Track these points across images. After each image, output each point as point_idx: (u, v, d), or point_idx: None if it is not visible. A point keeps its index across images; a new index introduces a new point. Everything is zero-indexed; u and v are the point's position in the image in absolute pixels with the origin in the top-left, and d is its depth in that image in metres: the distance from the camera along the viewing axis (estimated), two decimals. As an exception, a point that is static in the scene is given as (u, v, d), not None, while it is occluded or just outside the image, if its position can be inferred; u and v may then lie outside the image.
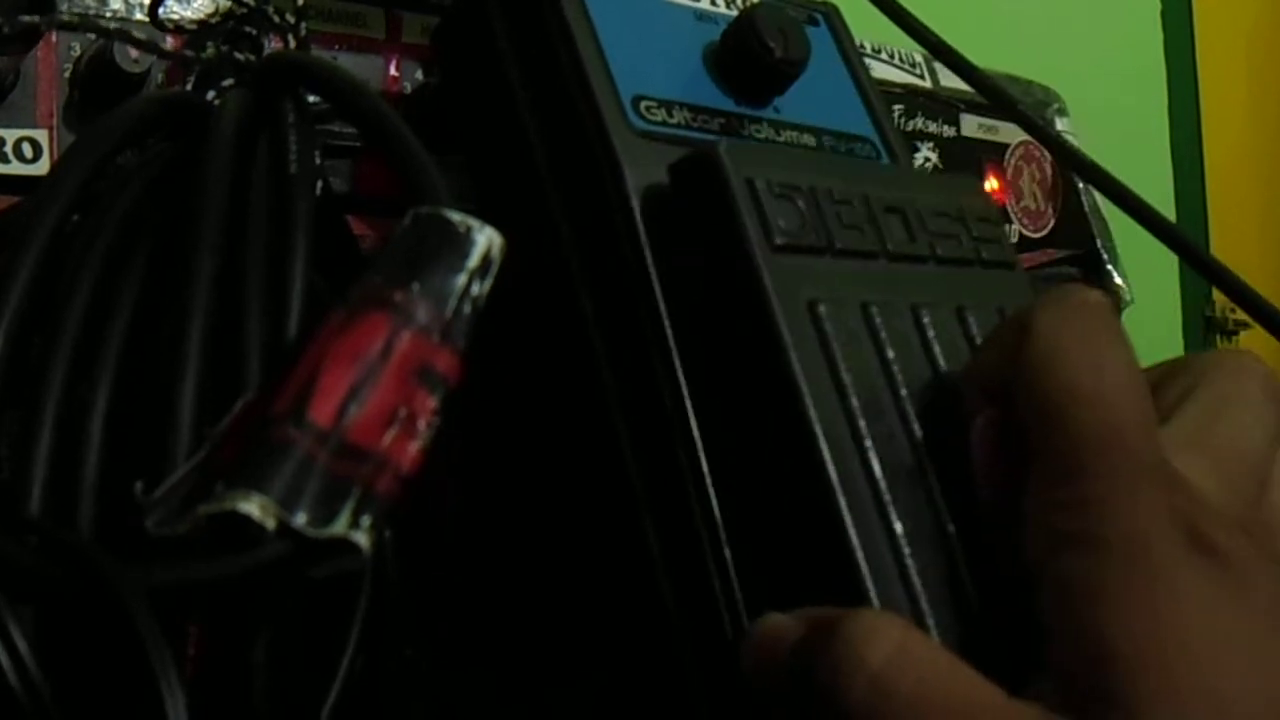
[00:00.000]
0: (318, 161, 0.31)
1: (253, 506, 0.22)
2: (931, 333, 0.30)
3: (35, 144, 0.33)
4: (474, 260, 0.26)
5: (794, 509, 0.27)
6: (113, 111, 0.31)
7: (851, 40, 0.40)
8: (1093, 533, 0.24)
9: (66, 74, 0.34)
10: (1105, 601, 0.23)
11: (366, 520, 0.23)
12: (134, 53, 0.33)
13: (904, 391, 0.29)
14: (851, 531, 0.26)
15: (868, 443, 0.27)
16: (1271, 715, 0.22)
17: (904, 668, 0.24)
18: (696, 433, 0.29)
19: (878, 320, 0.29)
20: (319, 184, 0.31)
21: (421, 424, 0.24)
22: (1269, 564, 0.24)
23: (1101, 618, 0.23)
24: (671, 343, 0.29)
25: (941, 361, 0.30)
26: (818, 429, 0.27)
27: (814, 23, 0.39)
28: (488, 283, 0.26)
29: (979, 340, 0.31)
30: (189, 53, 0.34)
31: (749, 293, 0.28)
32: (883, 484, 0.27)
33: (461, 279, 0.26)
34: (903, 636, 0.24)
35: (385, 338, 0.24)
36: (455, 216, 0.26)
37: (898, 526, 0.27)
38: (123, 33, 0.33)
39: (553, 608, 0.33)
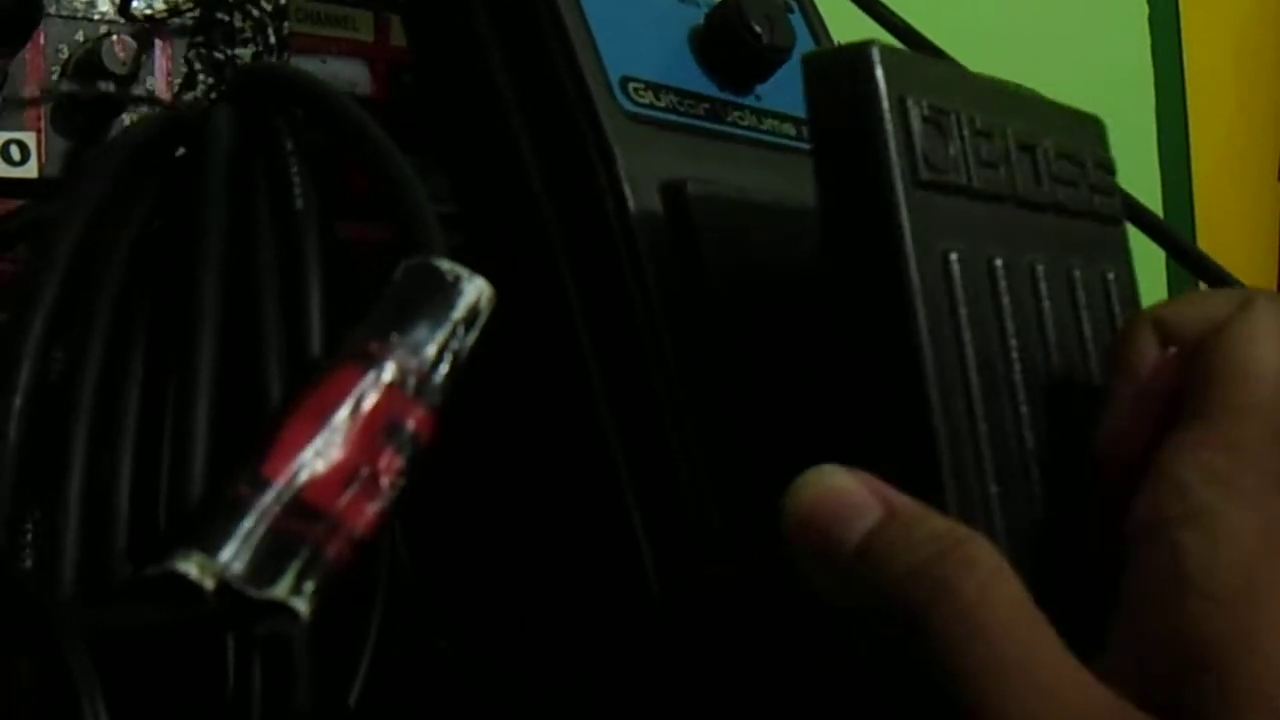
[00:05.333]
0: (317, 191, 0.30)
1: (190, 566, 0.22)
2: (1045, 297, 0.28)
3: (23, 146, 0.33)
4: (460, 311, 0.25)
5: (895, 464, 0.25)
6: (99, 160, 0.30)
7: (825, 28, 0.39)
8: (1228, 516, 0.22)
9: (54, 76, 0.34)
10: (1214, 598, 0.21)
11: (310, 585, 0.23)
12: (121, 55, 0.33)
13: (1015, 359, 0.27)
14: (949, 477, 0.25)
15: (979, 415, 0.25)
16: None
17: (995, 605, 0.22)
18: (693, 435, 0.29)
19: (1001, 282, 0.27)
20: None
21: (384, 484, 0.24)
22: None
23: (1204, 612, 0.21)
24: (665, 332, 0.29)
25: (1050, 329, 0.28)
26: (934, 397, 0.25)
27: (789, 10, 0.38)
28: (472, 335, 0.25)
29: (1083, 305, 0.29)
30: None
31: (884, 232, 0.25)
32: (985, 444, 0.25)
33: (444, 331, 0.25)
34: (998, 569, 0.23)
35: (355, 392, 0.24)
36: (444, 265, 0.26)
37: (993, 488, 0.25)
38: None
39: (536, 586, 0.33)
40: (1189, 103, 1.23)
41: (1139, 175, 1.20)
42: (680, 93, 0.33)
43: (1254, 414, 0.23)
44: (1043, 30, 1.04)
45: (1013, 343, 0.27)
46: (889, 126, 0.25)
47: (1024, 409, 0.27)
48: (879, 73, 0.25)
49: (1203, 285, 0.41)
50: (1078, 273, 0.30)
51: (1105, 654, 0.23)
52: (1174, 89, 1.24)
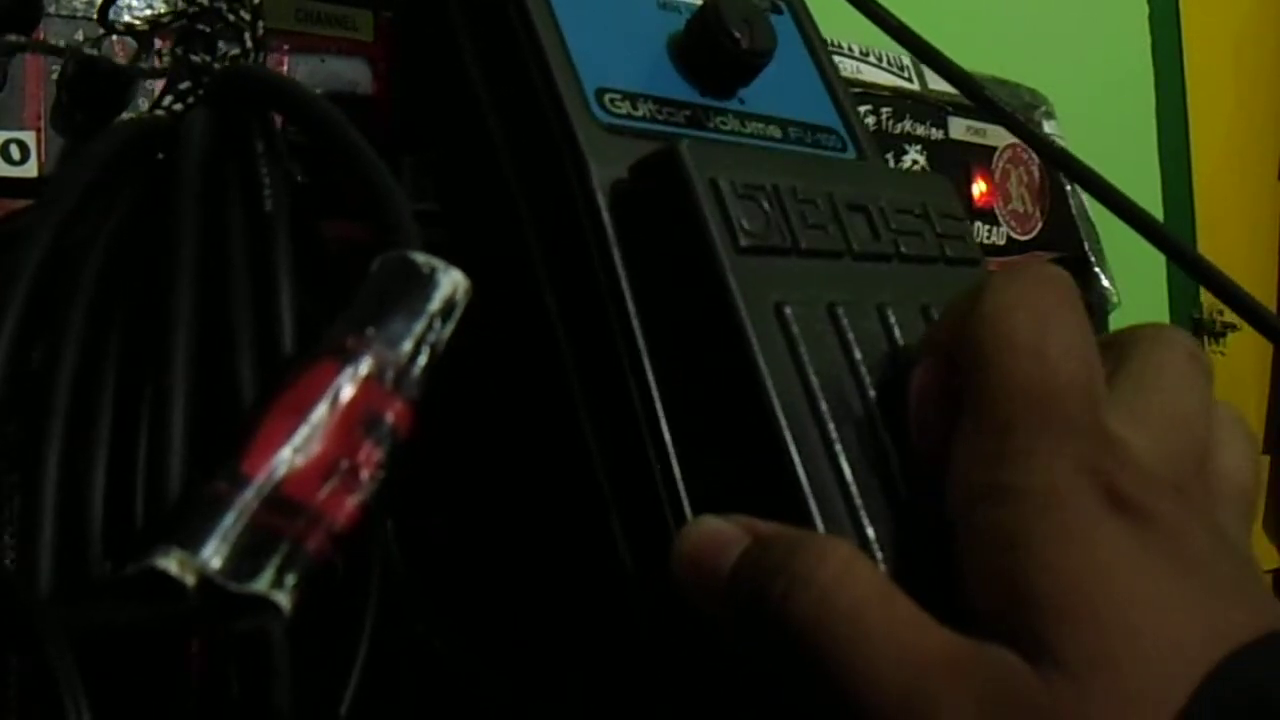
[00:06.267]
0: (290, 192, 0.30)
1: (170, 563, 0.22)
2: (898, 332, 0.30)
3: (23, 146, 0.33)
4: (436, 303, 0.25)
5: (763, 499, 0.27)
6: (73, 163, 0.30)
7: (816, 29, 0.39)
8: (1011, 483, 0.24)
9: (54, 76, 0.34)
10: (1021, 550, 0.24)
11: (291, 579, 0.23)
12: (121, 54, 0.33)
13: (871, 392, 0.29)
14: (808, 492, 0.27)
15: (834, 438, 0.27)
16: (1197, 658, 0.23)
17: (849, 585, 0.24)
18: (667, 433, 0.29)
19: (845, 321, 0.29)
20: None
21: (364, 476, 0.24)
22: (1202, 526, 0.25)
23: (1017, 565, 0.24)
24: (639, 339, 0.29)
25: (905, 359, 0.30)
26: (785, 429, 0.27)
27: (777, 11, 0.38)
28: (449, 327, 0.26)
29: None
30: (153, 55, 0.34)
31: (715, 295, 0.28)
32: (847, 471, 0.27)
33: (420, 323, 0.25)
34: (851, 557, 0.25)
35: (332, 386, 0.24)
36: (420, 258, 0.26)
37: (854, 493, 0.27)
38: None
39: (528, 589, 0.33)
40: (1189, 103, 1.24)
41: (1139, 175, 1.20)
42: (659, 101, 0.33)
43: (1006, 387, 0.25)
44: (1043, 30, 1.04)
45: (865, 375, 0.29)
46: (702, 203, 0.28)
47: (882, 430, 0.28)
48: (688, 162, 0.28)
49: (1202, 289, 0.40)
50: (934, 310, 0.31)
51: (959, 619, 0.25)
52: (1174, 89, 1.24)
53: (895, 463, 0.28)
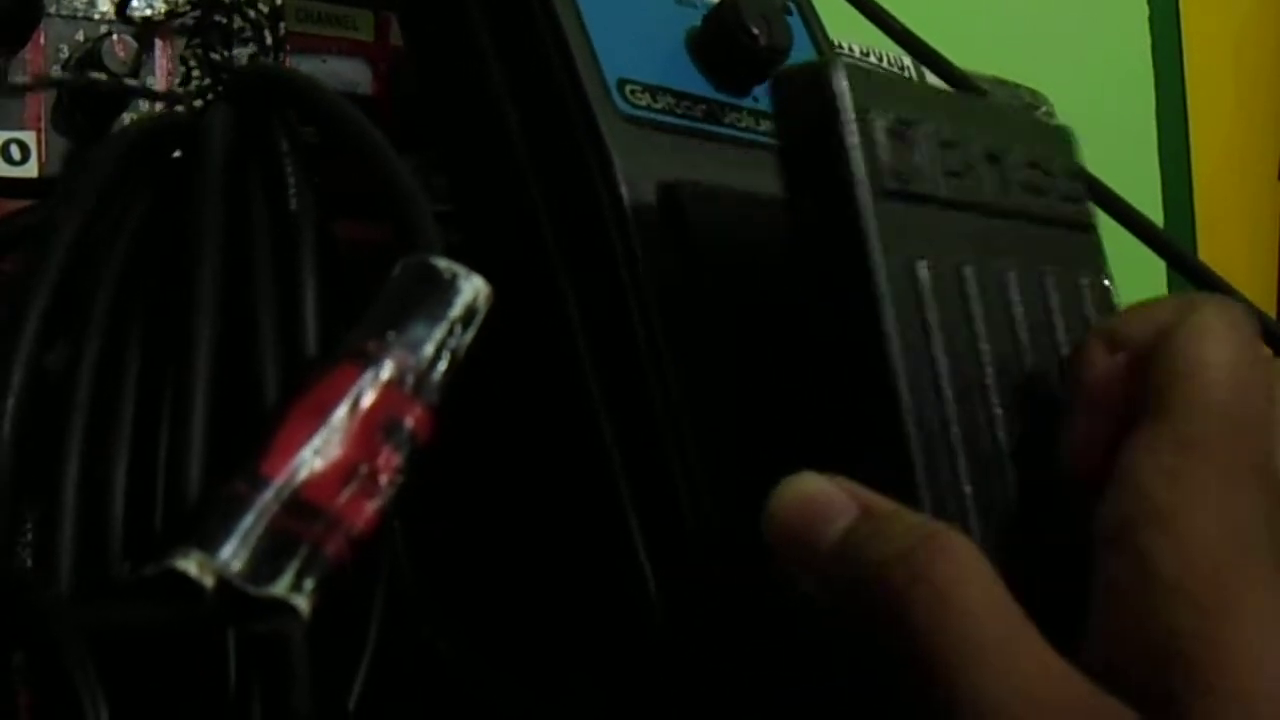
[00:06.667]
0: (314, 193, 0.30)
1: (190, 564, 0.22)
2: (1017, 303, 0.29)
3: (23, 146, 0.33)
4: (457, 309, 0.25)
5: (867, 468, 0.26)
6: (94, 162, 0.30)
7: (823, 30, 0.39)
8: (1190, 516, 0.23)
9: (54, 76, 0.34)
10: (1182, 596, 0.22)
11: (309, 583, 0.23)
12: (122, 54, 0.33)
13: (988, 364, 0.27)
14: (920, 469, 0.25)
15: (951, 417, 0.26)
16: None
17: (971, 591, 0.23)
18: (689, 435, 0.29)
19: (971, 287, 0.28)
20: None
21: (383, 481, 0.24)
22: None
23: (1174, 609, 0.22)
24: (662, 337, 0.29)
25: (1023, 335, 0.29)
26: (907, 409, 0.25)
27: (787, 11, 0.38)
28: (470, 334, 0.25)
29: (1056, 311, 0.30)
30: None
31: (850, 243, 0.26)
32: (959, 449, 0.26)
33: (441, 329, 0.25)
34: (973, 557, 0.23)
35: (353, 390, 0.24)
36: (441, 263, 0.26)
37: (964, 479, 0.26)
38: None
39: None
40: (1189, 103, 1.23)
41: (1139, 175, 1.20)
42: (677, 94, 0.33)
43: (1207, 410, 0.24)
44: (1043, 30, 1.04)
45: (984, 347, 0.27)
46: (852, 137, 0.26)
47: (997, 411, 0.27)
48: (843, 86, 0.26)
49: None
50: (1050, 279, 0.30)
51: (1079, 653, 0.23)
52: (1174, 89, 1.24)
53: (1008, 454, 0.27)
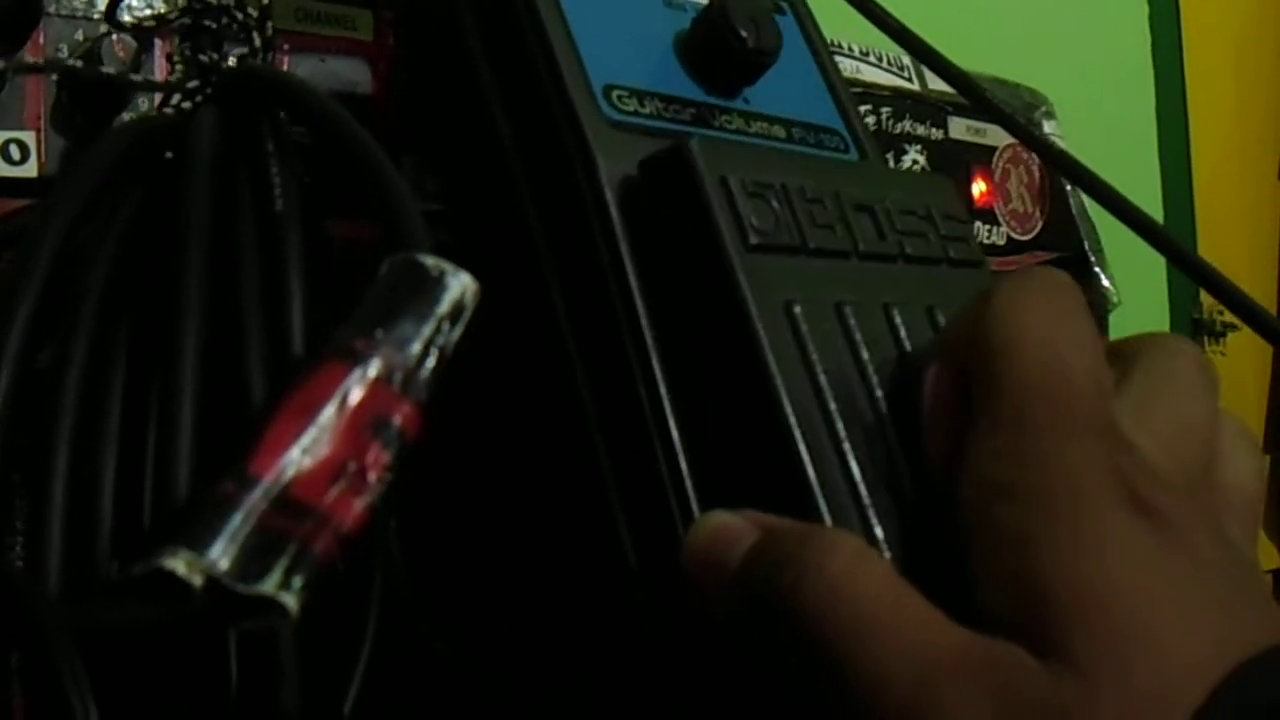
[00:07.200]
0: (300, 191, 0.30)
1: (178, 563, 0.22)
2: (904, 332, 0.30)
3: (23, 146, 0.33)
4: (444, 306, 0.25)
5: (772, 497, 0.27)
6: (82, 164, 0.30)
7: (818, 30, 0.39)
8: (1028, 481, 0.24)
9: (54, 76, 0.34)
10: (1037, 548, 0.23)
11: (298, 581, 0.23)
12: (121, 54, 0.33)
13: (879, 392, 0.29)
14: (817, 489, 0.27)
15: (843, 436, 0.27)
16: (1211, 662, 0.22)
17: (858, 578, 0.24)
18: (675, 434, 0.29)
19: (852, 321, 0.29)
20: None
21: (371, 478, 0.24)
22: (1213, 531, 0.25)
23: (1033, 563, 0.23)
24: (648, 337, 0.29)
25: (907, 342, 0.30)
26: (794, 427, 0.27)
27: (780, 12, 0.38)
28: (458, 331, 0.25)
29: None
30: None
31: (724, 293, 0.28)
32: (855, 470, 0.27)
33: (429, 326, 0.25)
34: (860, 550, 0.25)
35: (340, 388, 0.24)
36: (429, 261, 0.26)
37: (863, 492, 0.27)
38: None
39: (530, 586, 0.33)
40: (1189, 103, 1.23)
41: (1139, 175, 1.20)
42: (666, 98, 0.33)
43: (1021, 384, 0.25)
44: (1043, 30, 1.04)
45: (872, 375, 0.29)
46: (712, 201, 0.28)
47: (890, 429, 0.28)
48: (698, 159, 0.28)
49: (1202, 291, 0.41)
50: (939, 311, 0.31)
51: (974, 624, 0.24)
52: (1174, 89, 1.24)
53: (903, 463, 0.28)
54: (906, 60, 0.55)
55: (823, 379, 0.28)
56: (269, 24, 0.35)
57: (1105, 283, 0.62)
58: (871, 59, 0.53)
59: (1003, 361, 0.25)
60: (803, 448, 0.27)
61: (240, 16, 0.34)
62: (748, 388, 0.27)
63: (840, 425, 0.27)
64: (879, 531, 0.27)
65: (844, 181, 0.32)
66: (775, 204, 0.29)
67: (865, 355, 0.29)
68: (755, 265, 0.28)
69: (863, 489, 0.27)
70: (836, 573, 0.24)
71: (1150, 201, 1.20)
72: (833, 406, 0.27)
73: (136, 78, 0.34)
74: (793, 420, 0.27)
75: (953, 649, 0.23)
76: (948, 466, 0.26)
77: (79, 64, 0.33)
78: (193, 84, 0.34)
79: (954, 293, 0.32)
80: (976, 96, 0.37)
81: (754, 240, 0.28)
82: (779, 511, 0.27)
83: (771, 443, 0.27)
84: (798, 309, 0.28)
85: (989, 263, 0.35)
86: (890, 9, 0.37)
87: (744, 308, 0.28)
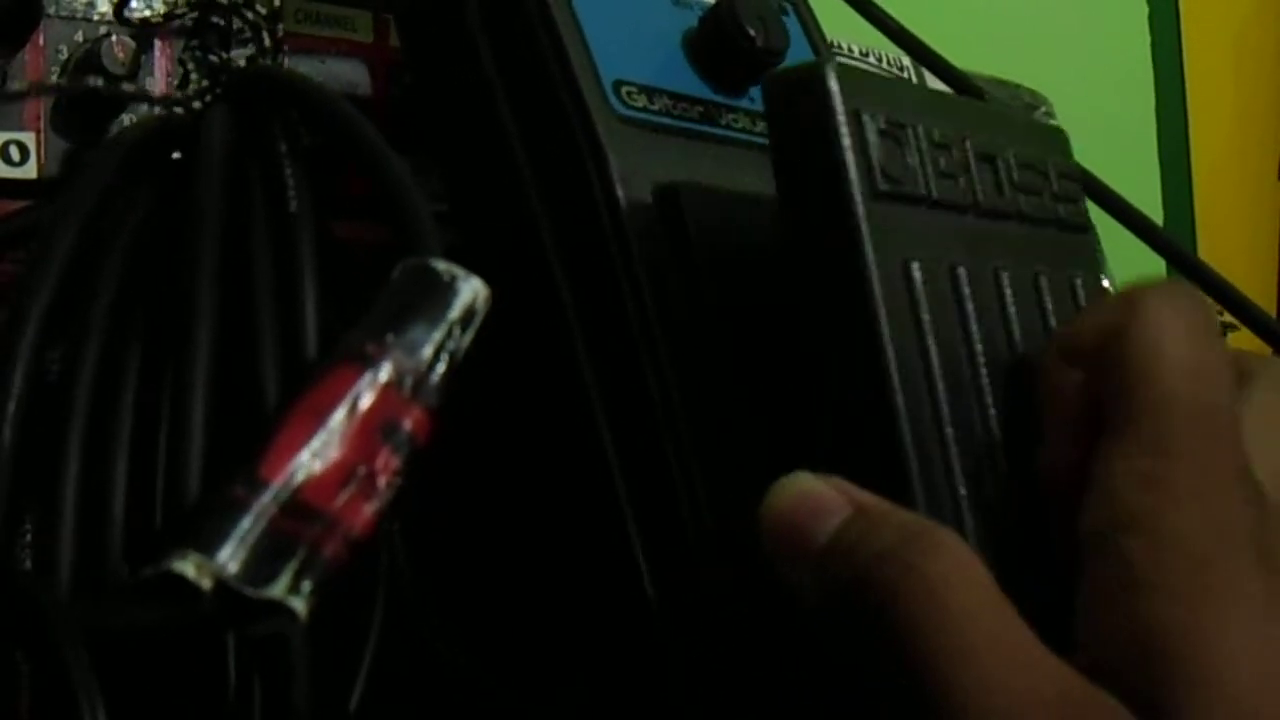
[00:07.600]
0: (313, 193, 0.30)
1: (188, 566, 0.22)
2: (1011, 303, 0.29)
3: (22, 147, 0.33)
4: (456, 311, 0.25)
5: (861, 468, 0.26)
6: (94, 163, 0.30)
7: (820, 31, 0.39)
8: (1174, 525, 0.23)
9: (54, 77, 0.34)
10: (1165, 599, 0.22)
11: (307, 585, 0.23)
12: (121, 55, 0.33)
13: (984, 373, 0.27)
14: (915, 469, 0.25)
15: (946, 418, 0.26)
16: None
17: (960, 589, 0.22)
18: (686, 435, 0.29)
19: (966, 288, 0.27)
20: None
21: (381, 483, 0.24)
22: None
23: (1159, 616, 0.22)
24: (658, 335, 0.29)
25: (1017, 333, 0.29)
26: (900, 401, 0.25)
27: (784, 12, 0.38)
28: (469, 336, 0.25)
29: (1051, 310, 0.30)
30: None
31: (844, 244, 0.26)
32: (954, 454, 0.26)
33: (440, 331, 0.25)
34: (964, 556, 0.23)
35: (351, 392, 0.24)
36: (440, 265, 0.25)
37: (959, 479, 0.26)
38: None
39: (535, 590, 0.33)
40: (1189, 103, 1.24)
41: (1139, 175, 1.20)
42: (674, 96, 0.33)
43: (1168, 408, 0.24)
44: (1043, 30, 1.04)
45: (978, 348, 0.27)
46: (845, 140, 0.26)
47: (991, 412, 0.27)
48: (834, 88, 0.26)
49: (1202, 292, 0.41)
50: (1044, 279, 0.30)
51: (1070, 654, 0.23)
52: (1174, 89, 1.24)
53: (1002, 459, 0.27)
54: (906, 61, 0.55)
55: (933, 351, 0.26)
56: (279, 25, 0.35)
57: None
58: (871, 59, 0.53)
59: (1152, 381, 0.24)
60: (905, 424, 0.25)
61: (250, 16, 0.34)
62: (854, 350, 0.26)
63: (945, 406, 0.26)
64: (970, 527, 0.25)
65: (972, 124, 0.30)
66: (906, 147, 0.27)
67: (974, 328, 0.27)
68: (879, 215, 0.26)
69: (960, 478, 0.26)
70: (939, 579, 0.22)
71: (1150, 203, 1.20)
72: (940, 384, 0.26)
73: (130, 88, 0.34)
74: (899, 393, 0.25)
75: (1052, 690, 0.22)
76: (1069, 478, 0.25)
77: (64, 82, 0.33)
78: (203, 84, 0.34)
79: (1059, 259, 0.31)
80: (975, 97, 0.37)
81: (882, 187, 0.26)
82: (865, 485, 0.25)
83: (872, 412, 0.25)
84: (916, 269, 0.26)
85: (1095, 229, 0.34)
86: (890, 9, 0.37)
87: (863, 263, 0.25)
